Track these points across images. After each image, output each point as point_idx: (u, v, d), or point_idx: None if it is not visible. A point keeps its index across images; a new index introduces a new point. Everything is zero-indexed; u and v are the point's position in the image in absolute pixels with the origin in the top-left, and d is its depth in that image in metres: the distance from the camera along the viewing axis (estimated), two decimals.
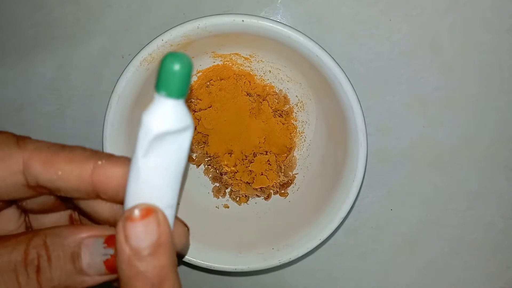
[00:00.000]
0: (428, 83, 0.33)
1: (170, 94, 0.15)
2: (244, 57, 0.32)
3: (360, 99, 0.28)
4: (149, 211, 0.17)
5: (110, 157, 0.18)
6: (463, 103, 0.34)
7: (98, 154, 0.18)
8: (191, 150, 0.35)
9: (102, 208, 0.20)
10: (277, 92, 0.34)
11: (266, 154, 0.34)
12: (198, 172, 0.36)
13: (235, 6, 0.33)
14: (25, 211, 0.21)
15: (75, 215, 0.23)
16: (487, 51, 0.33)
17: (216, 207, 0.35)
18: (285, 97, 0.34)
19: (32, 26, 0.35)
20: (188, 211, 0.34)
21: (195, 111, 0.34)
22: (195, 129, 0.34)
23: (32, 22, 0.35)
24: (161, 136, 0.16)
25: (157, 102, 0.16)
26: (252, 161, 0.34)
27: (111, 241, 0.18)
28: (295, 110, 0.34)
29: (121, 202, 0.18)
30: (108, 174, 0.18)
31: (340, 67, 0.27)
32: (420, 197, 0.35)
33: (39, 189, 0.18)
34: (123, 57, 0.35)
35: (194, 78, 0.33)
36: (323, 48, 0.27)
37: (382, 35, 0.33)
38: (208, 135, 0.34)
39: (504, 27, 0.32)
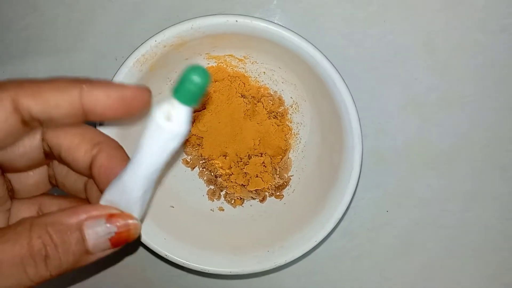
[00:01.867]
0: (422, 83, 0.33)
1: (186, 102, 0.17)
2: (238, 59, 0.32)
3: (355, 100, 0.28)
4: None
5: (91, 81, 0.20)
6: (458, 104, 0.34)
7: (79, 80, 0.20)
8: (185, 153, 0.35)
9: (80, 156, 0.21)
10: (272, 93, 0.33)
11: (261, 156, 0.34)
12: (192, 175, 0.35)
13: (230, 8, 0.33)
14: (12, 171, 0.22)
15: (51, 170, 0.24)
16: (480, 52, 0.33)
17: (211, 210, 0.35)
18: (279, 98, 0.33)
19: (25, 28, 0.35)
20: (183, 214, 0.34)
21: None
22: (189, 131, 0.34)
23: (24, 24, 0.34)
24: (159, 127, 0.18)
25: (177, 108, 0.17)
26: (247, 163, 0.34)
27: (113, 219, 0.19)
28: (290, 112, 0.34)
29: (108, 120, 0.21)
30: (94, 97, 0.20)
31: (335, 67, 0.27)
32: (416, 198, 0.35)
33: (33, 123, 0.20)
34: (116, 59, 0.34)
35: None
36: (318, 49, 0.27)
37: (376, 36, 0.33)
38: (202, 138, 0.34)
39: (497, 27, 0.33)
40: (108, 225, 0.19)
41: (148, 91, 0.21)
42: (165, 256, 0.31)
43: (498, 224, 0.35)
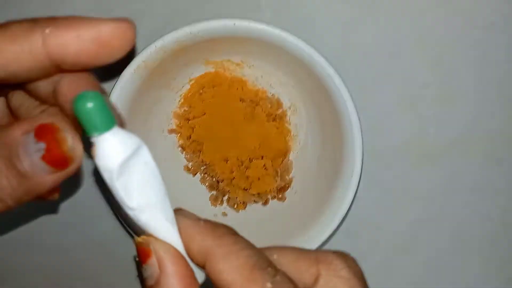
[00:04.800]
0: (418, 80, 0.34)
1: (101, 130, 0.15)
2: (235, 63, 0.33)
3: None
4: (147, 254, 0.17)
5: (55, 21, 0.16)
6: (454, 99, 0.34)
7: (40, 22, 0.16)
8: (186, 160, 0.35)
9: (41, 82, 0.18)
10: (270, 96, 0.34)
11: (262, 159, 0.34)
12: (194, 181, 0.35)
13: (224, 13, 0.34)
14: None
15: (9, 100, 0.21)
16: (475, 47, 0.34)
17: (214, 215, 0.35)
18: (277, 101, 0.34)
19: None
20: None
21: (189, 120, 0.34)
22: (190, 137, 0.34)
23: None
24: (123, 166, 0.16)
25: (98, 144, 0.16)
26: (248, 166, 0.34)
27: (41, 133, 0.16)
28: (288, 114, 0.34)
29: (84, 67, 0.17)
30: (61, 41, 0.16)
31: (332, 65, 0.28)
32: (416, 195, 0.35)
33: None
34: (114, 67, 0.35)
35: (187, 87, 0.33)
36: (314, 48, 0.28)
37: (370, 35, 0.34)
38: (203, 143, 0.34)
39: (491, 22, 0.33)
40: (35, 139, 0.16)
41: (130, 24, 0.18)
42: None
43: (499, 217, 0.35)
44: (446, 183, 0.35)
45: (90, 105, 0.15)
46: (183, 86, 0.33)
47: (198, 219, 0.18)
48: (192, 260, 0.18)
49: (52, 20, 0.16)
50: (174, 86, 0.33)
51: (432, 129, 0.35)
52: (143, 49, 0.28)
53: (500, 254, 0.36)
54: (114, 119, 0.16)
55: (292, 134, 0.34)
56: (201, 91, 0.34)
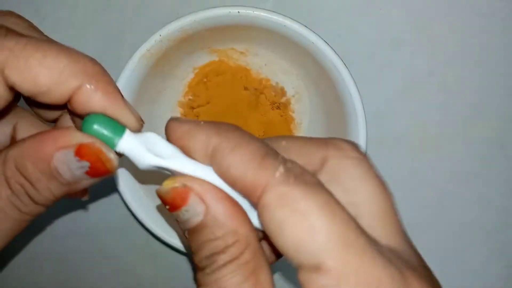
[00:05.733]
0: (421, 68, 0.34)
1: (116, 139, 0.18)
2: (240, 52, 0.33)
3: None
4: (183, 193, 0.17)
5: (100, 81, 0.18)
6: (457, 87, 0.34)
7: (88, 74, 0.18)
8: None
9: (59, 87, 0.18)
10: (274, 85, 0.34)
11: None
12: None
13: (228, 1, 0.34)
14: None
15: None
16: (479, 34, 0.34)
17: None
18: (282, 89, 0.34)
19: None
20: None
21: (194, 108, 0.34)
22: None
23: None
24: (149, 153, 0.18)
25: (122, 151, 0.18)
26: None
27: (82, 153, 0.17)
28: (292, 102, 0.34)
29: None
30: (91, 103, 0.18)
31: (336, 53, 0.28)
32: (418, 182, 0.36)
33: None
34: (118, 59, 0.35)
35: (191, 75, 0.34)
36: (318, 35, 0.28)
37: (373, 23, 0.34)
38: None
39: (494, 9, 0.33)
40: (77, 158, 0.17)
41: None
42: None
43: (502, 204, 0.36)
44: (449, 170, 0.35)
45: (96, 126, 0.18)
46: (187, 75, 0.33)
47: (198, 121, 0.18)
48: (198, 161, 0.18)
49: (99, 78, 0.18)
50: (179, 75, 0.33)
51: (436, 117, 0.35)
52: (147, 38, 0.28)
53: (503, 238, 0.36)
54: (121, 127, 0.18)
55: (296, 122, 0.35)
56: (205, 79, 0.34)
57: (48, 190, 0.18)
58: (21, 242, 0.38)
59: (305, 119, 0.34)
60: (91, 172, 0.18)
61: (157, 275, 0.38)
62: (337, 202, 0.16)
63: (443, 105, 0.35)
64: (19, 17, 0.20)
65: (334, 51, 0.28)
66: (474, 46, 0.34)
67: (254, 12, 0.27)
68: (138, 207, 0.31)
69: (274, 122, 0.34)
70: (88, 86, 0.18)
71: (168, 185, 0.17)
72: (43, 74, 0.17)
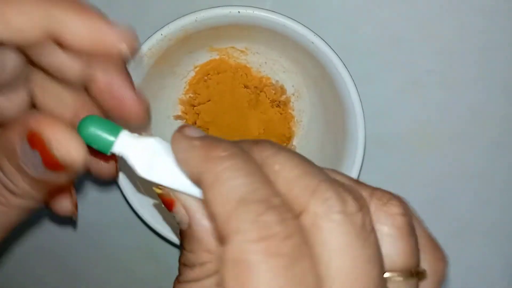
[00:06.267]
0: (421, 67, 0.34)
1: (112, 141, 0.17)
2: (240, 50, 0.33)
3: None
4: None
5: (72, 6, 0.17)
6: (457, 85, 0.34)
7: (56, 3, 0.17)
8: None
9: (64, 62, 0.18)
10: (274, 83, 0.34)
11: None
12: None
13: (229, 0, 0.34)
14: None
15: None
16: (479, 32, 0.34)
17: None
18: (281, 87, 0.34)
19: None
20: None
21: (194, 106, 0.35)
22: (195, 123, 0.35)
23: None
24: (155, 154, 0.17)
25: (118, 152, 0.17)
26: None
27: (32, 142, 0.16)
28: (292, 100, 0.35)
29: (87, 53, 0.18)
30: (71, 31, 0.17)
31: (335, 52, 0.28)
32: (418, 181, 0.36)
33: None
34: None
35: (192, 74, 0.34)
36: (318, 35, 0.28)
37: (373, 21, 0.34)
38: (208, 129, 0.35)
39: (495, 9, 0.33)
40: (32, 150, 0.16)
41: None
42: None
43: (502, 203, 0.36)
44: (449, 169, 0.36)
45: (92, 129, 0.17)
46: (188, 73, 0.34)
47: (195, 138, 0.16)
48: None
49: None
50: (179, 73, 0.33)
51: (435, 116, 0.35)
52: (148, 37, 0.28)
53: (503, 240, 0.36)
54: (117, 128, 0.17)
55: (295, 120, 0.35)
56: (206, 77, 0.34)
57: (21, 182, 0.17)
58: (19, 238, 0.38)
59: (305, 117, 0.35)
60: (45, 163, 0.16)
61: (156, 272, 0.38)
62: None
63: (443, 104, 0.35)
64: None
65: (333, 50, 0.28)
66: (474, 45, 0.34)
67: (254, 12, 0.28)
68: (138, 202, 0.31)
69: (274, 120, 0.35)
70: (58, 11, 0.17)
71: (157, 190, 0.17)
72: (14, 13, 0.16)
